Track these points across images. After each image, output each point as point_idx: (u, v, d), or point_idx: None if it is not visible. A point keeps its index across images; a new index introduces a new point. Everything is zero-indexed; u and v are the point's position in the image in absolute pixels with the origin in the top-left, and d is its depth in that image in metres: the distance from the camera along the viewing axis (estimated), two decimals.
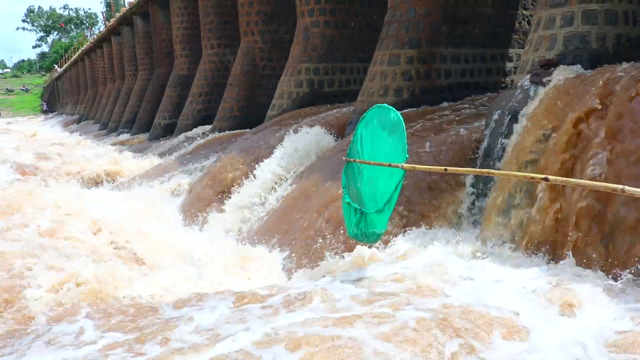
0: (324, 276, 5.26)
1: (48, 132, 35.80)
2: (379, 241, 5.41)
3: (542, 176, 3.12)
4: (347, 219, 5.13)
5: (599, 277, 4.22)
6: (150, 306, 4.70)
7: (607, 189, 2.89)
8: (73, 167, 16.44)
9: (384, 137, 4.86)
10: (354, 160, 5.14)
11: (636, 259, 4.12)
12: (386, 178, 4.69)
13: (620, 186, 2.66)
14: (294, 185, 8.22)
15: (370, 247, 5.60)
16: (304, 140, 9.18)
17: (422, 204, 6.27)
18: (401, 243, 5.72)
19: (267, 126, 12.01)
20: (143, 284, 5.48)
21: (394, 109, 4.87)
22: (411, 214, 6.18)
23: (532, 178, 3.45)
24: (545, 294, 4.03)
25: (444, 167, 4.25)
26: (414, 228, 5.99)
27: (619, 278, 4.08)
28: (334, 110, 11.07)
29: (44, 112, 66.37)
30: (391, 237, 5.90)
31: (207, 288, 5.35)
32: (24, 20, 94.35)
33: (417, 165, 4.72)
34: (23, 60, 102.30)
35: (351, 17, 12.53)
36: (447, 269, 4.83)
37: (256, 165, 9.16)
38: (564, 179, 3.41)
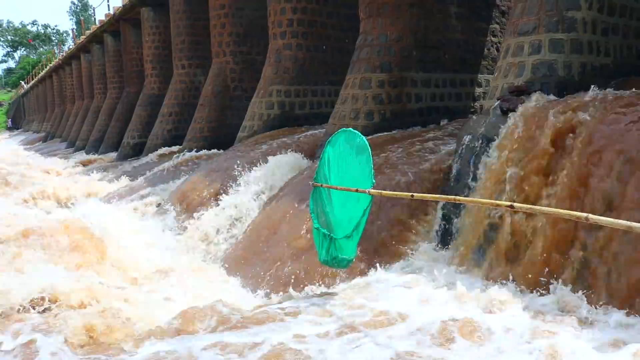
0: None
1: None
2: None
3: (508, 203, 3.12)
4: (317, 244, 5.06)
5: None
6: None
7: (572, 216, 2.90)
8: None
9: (351, 161, 4.83)
10: (321, 185, 5.09)
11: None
12: (354, 203, 4.65)
13: (584, 214, 2.67)
14: (264, 209, 8.11)
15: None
16: (275, 163, 9.11)
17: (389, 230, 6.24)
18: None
19: (237, 147, 11.91)
20: None
21: (360, 134, 4.85)
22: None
23: (498, 205, 3.46)
24: None
25: (411, 194, 4.23)
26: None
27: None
28: (305, 133, 11.05)
29: (9, 129, 64.96)
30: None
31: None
32: None
33: (383, 191, 4.71)
34: None
35: (323, 41, 12.60)
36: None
37: (225, 187, 9.03)
38: (529, 206, 3.43)
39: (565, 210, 3.07)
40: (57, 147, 33.59)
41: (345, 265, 4.99)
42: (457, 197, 3.85)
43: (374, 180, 4.54)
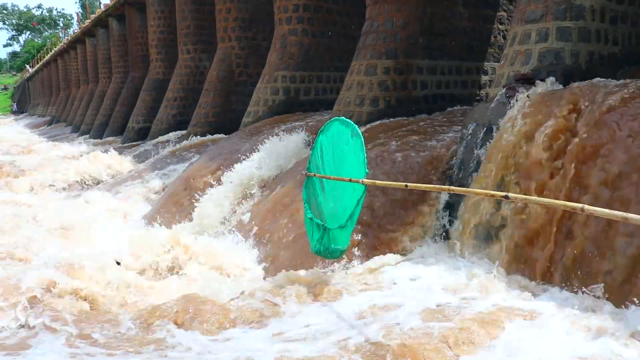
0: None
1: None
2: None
3: (503, 194, 3.12)
4: (309, 234, 5.01)
5: None
6: None
7: (567, 207, 2.90)
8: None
9: (344, 150, 4.76)
10: (314, 175, 5.04)
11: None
12: (347, 193, 4.59)
13: (580, 205, 2.67)
14: (266, 194, 8.13)
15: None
16: (278, 149, 9.10)
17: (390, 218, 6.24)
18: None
19: (241, 133, 11.91)
20: None
21: (352, 122, 4.80)
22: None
23: (493, 195, 3.45)
24: None
25: (405, 183, 4.19)
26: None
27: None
28: (310, 119, 11.03)
29: (14, 112, 65.01)
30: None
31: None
32: None
33: (377, 181, 4.67)
34: None
35: (329, 26, 12.53)
36: None
37: (228, 172, 9.04)
38: (524, 196, 3.43)
39: (560, 201, 3.08)
40: (62, 131, 33.64)
41: (338, 255, 4.95)
42: (451, 187, 3.83)
43: (367, 170, 4.48)
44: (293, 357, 3.63)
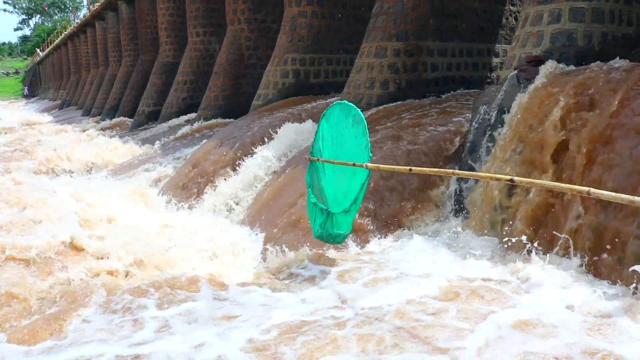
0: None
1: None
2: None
3: (508, 177, 3.12)
4: (312, 219, 4.99)
5: None
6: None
7: (573, 190, 2.89)
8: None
9: (347, 134, 4.73)
10: (318, 159, 5.02)
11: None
12: (351, 177, 4.58)
13: (586, 188, 2.67)
14: (276, 179, 8.15)
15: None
16: (288, 132, 9.10)
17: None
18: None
19: (251, 116, 11.92)
20: None
21: (355, 106, 4.75)
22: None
23: (498, 179, 3.45)
24: None
25: (409, 167, 4.17)
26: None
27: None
28: (320, 102, 11.01)
29: (25, 96, 65.35)
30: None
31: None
32: (5, 2, 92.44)
33: (381, 165, 4.64)
34: (4, 43, 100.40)
35: (339, 8, 12.46)
36: None
37: (239, 156, 9.06)
38: (530, 180, 3.42)
39: (566, 185, 3.08)
40: (73, 114, 33.81)
41: (340, 240, 4.93)
42: (456, 171, 3.82)
43: (371, 154, 4.46)
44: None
